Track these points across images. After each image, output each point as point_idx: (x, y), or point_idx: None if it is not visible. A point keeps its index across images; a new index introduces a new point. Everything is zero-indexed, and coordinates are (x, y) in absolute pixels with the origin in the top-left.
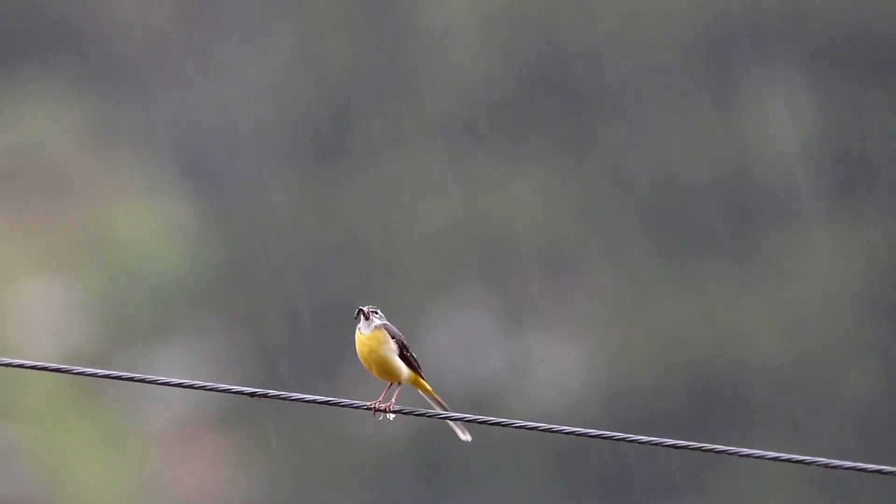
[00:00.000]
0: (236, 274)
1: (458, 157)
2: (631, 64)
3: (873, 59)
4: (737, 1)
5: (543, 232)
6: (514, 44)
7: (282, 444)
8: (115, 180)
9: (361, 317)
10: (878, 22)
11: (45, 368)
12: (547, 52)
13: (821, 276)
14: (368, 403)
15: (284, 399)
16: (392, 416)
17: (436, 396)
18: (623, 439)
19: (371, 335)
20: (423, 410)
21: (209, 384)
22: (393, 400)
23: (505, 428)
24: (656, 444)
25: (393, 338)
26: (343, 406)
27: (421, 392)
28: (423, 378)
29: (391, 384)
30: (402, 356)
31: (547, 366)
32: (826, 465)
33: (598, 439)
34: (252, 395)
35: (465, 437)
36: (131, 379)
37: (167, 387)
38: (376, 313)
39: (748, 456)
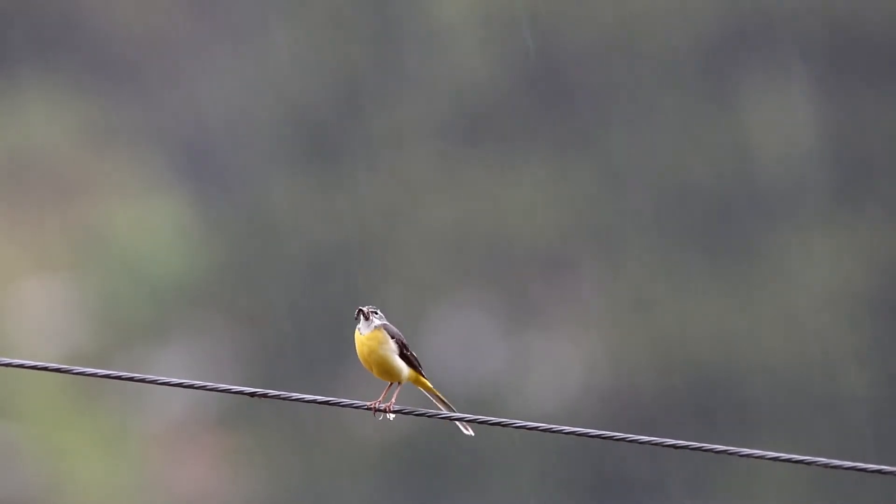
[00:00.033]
0: (236, 274)
1: (458, 157)
2: (630, 64)
3: (873, 59)
4: (737, 1)
5: (543, 232)
6: (514, 44)
7: (282, 444)
8: (115, 180)
9: (361, 317)
10: (879, 22)
11: (45, 368)
12: (547, 52)
13: (820, 277)
14: (368, 403)
15: (284, 399)
16: (392, 415)
17: (438, 394)
18: (623, 439)
19: (371, 335)
20: (424, 410)
21: (209, 384)
22: (393, 400)
23: (505, 428)
24: (656, 444)
25: (393, 337)
26: (343, 406)
27: (423, 391)
28: (424, 377)
29: (391, 384)
30: (403, 355)
31: (547, 366)
32: (826, 465)
33: (598, 439)
34: (252, 395)
35: (468, 431)
36: (131, 379)
37: (167, 387)
38: (376, 313)
39: (748, 456)
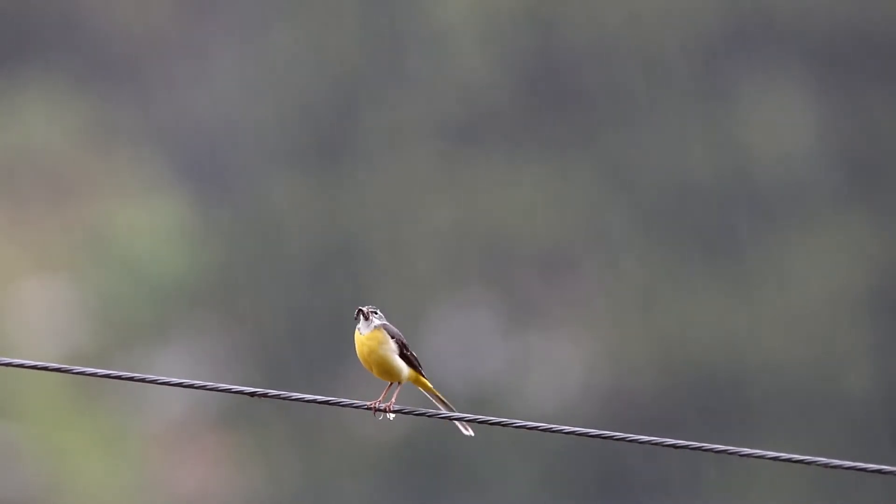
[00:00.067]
0: (236, 274)
1: (458, 158)
2: (632, 64)
3: (874, 59)
4: (738, 1)
5: (543, 232)
6: (515, 44)
7: (282, 444)
8: (115, 180)
9: (361, 317)
10: (879, 22)
11: (45, 368)
12: (547, 52)
13: (821, 277)
14: (368, 403)
15: (284, 399)
16: (392, 415)
17: (438, 394)
18: (623, 439)
19: (371, 335)
20: (424, 410)
21: (209, 384)
22: (393, 400)
23: (505, 428)
24: (656, 444)
25: (392, 337)
26: (343, 406)
27: (423, 391)
28: (424, 377)
29: (391, 384)
30: (403, 355)
31: (547, 366)
32: (826, 465)
33: (598, 439)
34: (252, 395)
35: (468, 431)
36: (131, 379)
37: (167, 387)
38: (376, 313)
39: (748, 456)
